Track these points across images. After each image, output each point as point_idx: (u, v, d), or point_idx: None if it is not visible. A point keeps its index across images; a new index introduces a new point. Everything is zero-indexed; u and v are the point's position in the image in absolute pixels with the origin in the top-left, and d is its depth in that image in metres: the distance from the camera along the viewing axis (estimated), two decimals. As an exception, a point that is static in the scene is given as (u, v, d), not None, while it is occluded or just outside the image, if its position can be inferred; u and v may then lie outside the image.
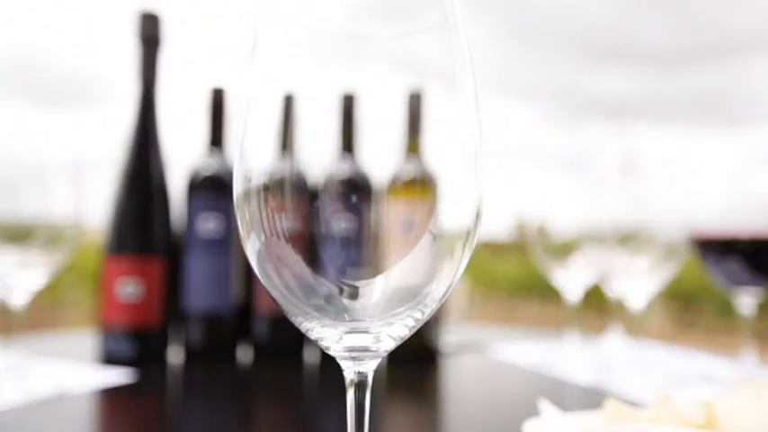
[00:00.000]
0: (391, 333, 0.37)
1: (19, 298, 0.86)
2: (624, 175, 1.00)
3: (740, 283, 0.91)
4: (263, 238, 0.35)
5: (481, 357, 1.14)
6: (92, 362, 0.97)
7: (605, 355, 1.09)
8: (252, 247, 0.36)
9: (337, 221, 0.35)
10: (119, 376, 0.87)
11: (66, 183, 0.89)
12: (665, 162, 0.98)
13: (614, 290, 1.02)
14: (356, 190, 0.36)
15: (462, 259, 0.37)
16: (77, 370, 0.90)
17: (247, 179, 0.36)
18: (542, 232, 1.16)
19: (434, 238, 0.36)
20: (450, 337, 1.23)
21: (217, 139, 1.08)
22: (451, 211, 0.35)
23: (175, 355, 1.03)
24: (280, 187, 0.35)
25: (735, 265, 0.89)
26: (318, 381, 0.94)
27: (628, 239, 0.97)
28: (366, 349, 0.38)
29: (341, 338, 0.37)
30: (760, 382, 0.52)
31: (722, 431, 0.51)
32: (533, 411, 0.68)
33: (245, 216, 0.36)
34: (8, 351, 0.86)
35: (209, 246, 1.02)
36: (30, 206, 0.87)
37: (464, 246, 0.36)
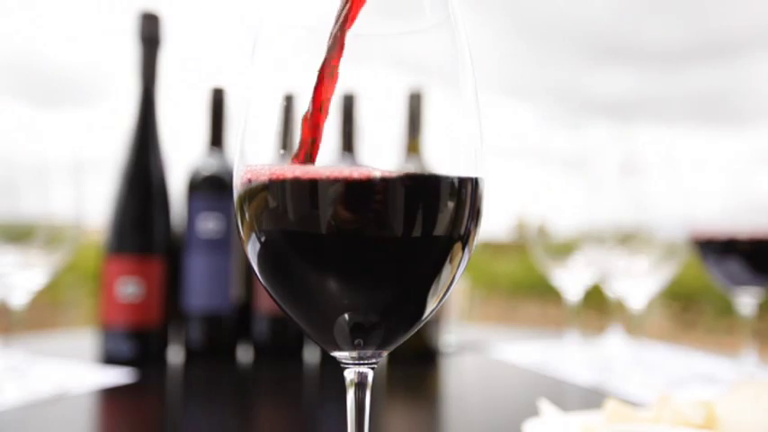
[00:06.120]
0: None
1: (19, 298, 0.86)
2: (624, 175, 1.00)
3: (740, 283, 0.91)
4: (263, 238, 0.35)
5: (481, 357, 1.14)
6: (92, 362, 0.97)
7: (605, 355, 1.09)
8: (252, 247, 0.36)
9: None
10: (119, 376, 0.87)
11: (66, 183, 0.89)
12: (665, 162, 0.98)
13: (614, 290, 1.02)
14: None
15: (462, 260, 0.37)
16: (77, 370, 0.90)
17: (247, 179, 0.35)
18: (542, 232, 1.16)
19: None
20: (450, 337, 1.23)
21: (217, 139, 1.08)
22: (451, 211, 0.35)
23: (175, 355, 1.03)
24: (280, 187, 0.35)
25: (735, 265, 0.89)
26: (318, 381, 0.94)
27: (628, 239, 0.97)
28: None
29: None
30: (760, 382, 0.52)
31: (722, 431, 0.51)
32: (533, 411, 0.68)
33: (245, 216, 0.36)
34: (8, 351, 0.86)
35: (209, 246, 1.02)
36: (30, 206, 0.87)
37: (464, 246, 0.36)
